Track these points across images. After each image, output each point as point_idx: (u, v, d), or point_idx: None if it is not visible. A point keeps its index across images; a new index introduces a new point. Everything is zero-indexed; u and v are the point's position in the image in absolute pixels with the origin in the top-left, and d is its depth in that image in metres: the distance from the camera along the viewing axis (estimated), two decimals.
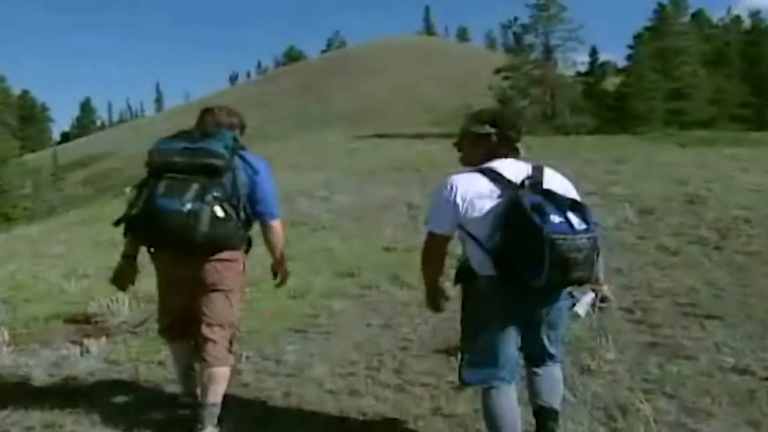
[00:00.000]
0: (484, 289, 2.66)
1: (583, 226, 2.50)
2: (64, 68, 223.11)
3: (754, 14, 53.97)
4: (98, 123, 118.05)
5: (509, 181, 2.60)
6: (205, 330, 3.11)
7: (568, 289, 2.76)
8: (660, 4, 43.59)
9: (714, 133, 28.83)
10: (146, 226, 2.91)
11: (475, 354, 2.75)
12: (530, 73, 38.25)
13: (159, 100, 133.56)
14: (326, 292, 6.27)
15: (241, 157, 3.06)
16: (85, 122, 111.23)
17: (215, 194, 2.88)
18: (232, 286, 3.15)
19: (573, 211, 2.53)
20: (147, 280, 3.50)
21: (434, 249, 2.77)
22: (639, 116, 35.34)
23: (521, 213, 2.43)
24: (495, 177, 2.63)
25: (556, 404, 2.88)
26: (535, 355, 2.88)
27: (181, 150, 2.93)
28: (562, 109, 36.62)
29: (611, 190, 11.46)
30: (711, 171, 13.82)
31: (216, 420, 3.10)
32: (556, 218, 2.43)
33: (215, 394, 3.09)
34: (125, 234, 3.11)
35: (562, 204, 2.53)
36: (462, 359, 2.83)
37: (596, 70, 48.03)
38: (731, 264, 6.79)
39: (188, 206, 2.80)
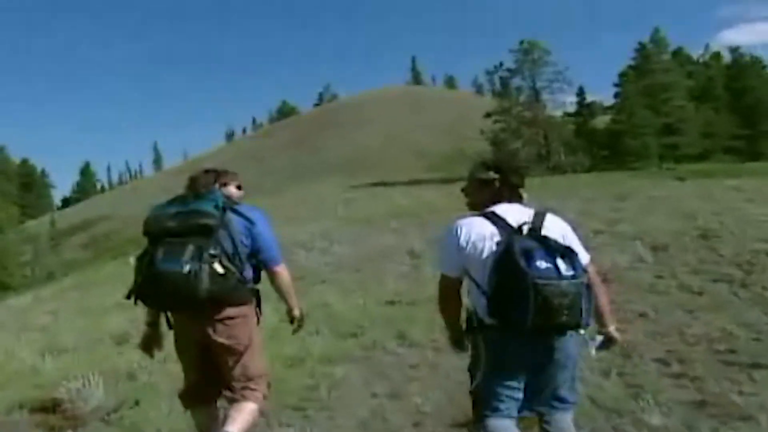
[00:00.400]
0: (484, 335, 2.68)
1: (570, 272, 2.48)
2: (64, 134, 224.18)
3: (734, 50, 54.48)
4: (98, 186, 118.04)
5: (509, 225, 2.63)
6: (240, 383, 3.13)
7: (582, 334, 2.66)
8: (641, 44, 43.91)
9: (711, 166, 28.56)
10: (151, 290, 2.92)
11: (484, 388, 2.71)
12: (521, 114, 38.24)
13: (157, 161, 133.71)
14: (326, 356, 5.64)
15: (235, 211, 3.08)
16: (86, 186, 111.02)
17: (212, 252, 2.88)
18: (247, 343, 3.12)
19: (563, 257, 2.52)
20: (125, 357, 2.89)
21: (447, 290, 2.79)
22: (633, 153, 35.20)
23: (511, 257, 2.45)
24: (496, 221, 2.66)
25: None
26: (542, 402, 2.76)
27: (174, 214, 2.97)
28: (556, 148, 36.45)
29: (619, 228, 10.92)
30: (717, 203, 13.30)
31: None
32: (543, 263, 2.44)
33: (238, 425, 3.00)
34: (135, 302, 3.05)
35: (553, 250, 2.52)
36: (475, 389, 2.77)
37: (584, 109, 48.02)
38: (762, 302, 6.20)
39: (187, 267, 2.81)
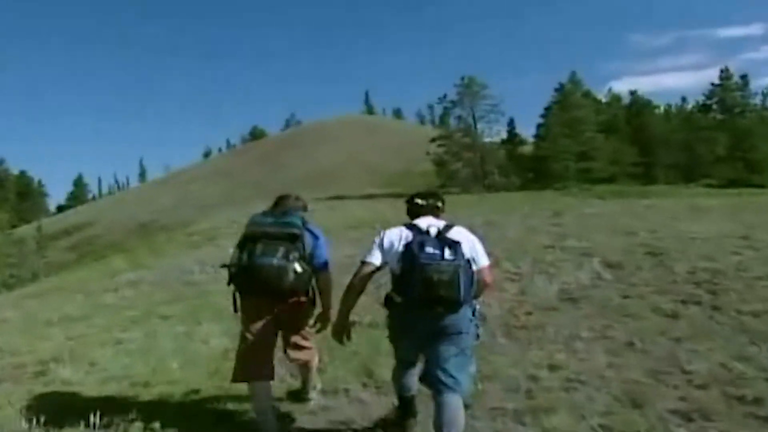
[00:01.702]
0: (393, 309, 3.04)
1: (451, 258, 2.82)
2: (60, 148, 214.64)
3: (633, 92, 55.22)
4: (90, 196, 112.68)
5: (420, 229, 3.02)
6: (299, 343, 3.52)
7: (463, 313, 2.90)
8: (561, 84, 43.81)
9: (620, 187, 27.95)
10: (247, 276, 3.22)
11: (399, 356, 3.19)
12: (461, 140, 37.32)
13: (143, 174, 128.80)
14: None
15: (307, 229, 3.42)
16: (78, 196, 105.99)
17: (295, 254, 3.25)
18: (308, 314, 3.53)
19: (449, 248, 2.85)
20: None
21: (361, 274, 3.03)
22: (556, 175, 34.59)
23: (409, 247, 2.88)
24: (413, 227, 3.06)
25: None
26: (434, 379, 2.90)
27: (271, 223, 3.35)
28: (491, 170, 35.54)
29: (567, 243, 9.64)
30: (647, 221, 12.23)
31: (313, 387, 3.79)
32: (430, 250, 2.84)
33: (313, 373, 3.70)
34: (228, 283, 3.36)
35: (443, 243, 2.88)
36: (396, 359, 3.24)
37: (514, 138, 47.77)
38: (744, 329, 4.95)
39: (278, 262, 3.18)
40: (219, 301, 7.99)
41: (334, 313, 3.32)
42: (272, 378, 3.42)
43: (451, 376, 2.87)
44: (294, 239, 3.29)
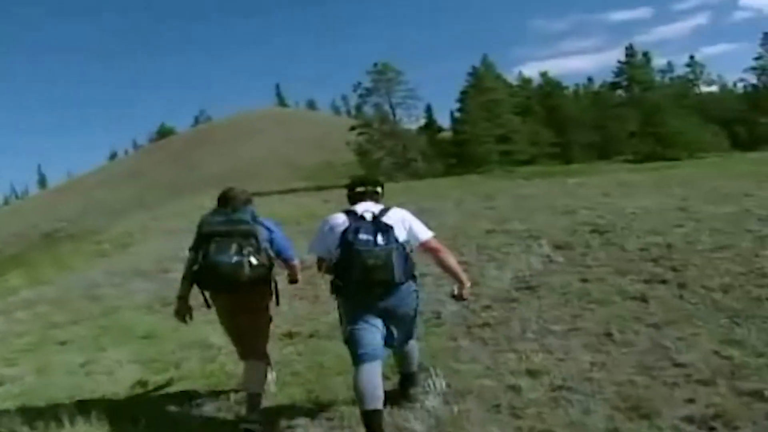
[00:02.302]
0: (339, 292, 3.14)
1: (383, 242, 2.97)
2: None
3: (544, 74, 56.25)
4: None
5: (356, 215, 3.13)
6: (250, 339, 3.55)
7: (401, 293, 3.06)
8: (474, 67, 44.11)
9: (543, 168, 28.34)
10: (207, 275, 3.36)
11: (351, 336, 3.07)
12: (380, 128, 36.75)
13: (42, 182, 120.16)
14: None
15: (258, 222, 3.49)
16: None
17: (249, 249, 3.34)
18: (265, 308, 3.62)
19: (382, 233, 3.00)
20: None
21: (320, 268, 3.30)
22: (477, 159, 34.73)
23: (344, 235, 3.02)
24: (349, 213, 3.17)
25: (413, 368, 3.43)
26: (392, 345, 3.20)
27: (222, 221, 3.43)
28: (414, 157, 35.17)
29: (509, 226, 9.23)
30: (582, 200, 12.09)
31: (258, 406, 3.41)
32: (364, 236, 2.97)
33: (258, 384, 3.44)
34: (185, 283, 3.55)
35: (376, 228, 3.01)
36: (345, 340, 3.13)
37: (432, 123, 47.76)
38: (722, 308, 4.60)
39: (234, 258, 3.29)
40: (128, 319, 6.96)
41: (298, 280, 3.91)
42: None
43: (409, 337, 3.30)
44: (246, 235, 3.39)
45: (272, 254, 3.51)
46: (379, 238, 2.98)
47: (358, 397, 2.89)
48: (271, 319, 3.71)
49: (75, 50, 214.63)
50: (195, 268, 3.40)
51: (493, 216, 10.77)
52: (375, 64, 37.12)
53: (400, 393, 3.41)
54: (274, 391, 3.84)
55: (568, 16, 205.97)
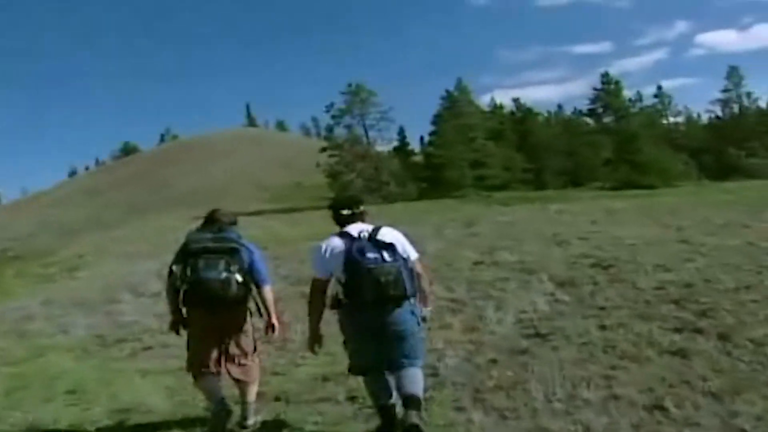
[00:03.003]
0: (345, 311, 3.19)
1: (391, 259, 3.09)
2: None
3: (516, 100, 56.48)
4: None
5: (352, 237, 3.20)
6: (240, 359, 3.60)
7: (409, 307, 3.14)
8: (448, 91, 43.83)
9: (520, 193, 27.85)
10: (194, 290, 3.42)
11: (351, 355, 3.28)
12: (352, 150, 35.90)
13: None
14: None
15: (242, 244, 3.59)
16: None
17: (235, 267, 3.45)
18: (249, 328, 3.67)
19: (386, 250, 3.12)
20: None
21: (316, 289, 3.28)
22: (452, 183, 34.13)
23: (350, 255, 3.09)
24: (344, 235, 3.24)
25: (417, 391, 3.09)
26: (395, 364, 3.15)
27: (210, 238, 3.54)
28: (386, 180, 34.32)
29: (498, 257, 8.37)
30: (568, 226, 11.39)
31: (254, 413, 3.63)
32: (371, 255, 3.07)
33: (251, 395, 3.62)
34: (171, 297, 3.64)
35: (379, 246, 3.12)
36: (350, 359, 3.30)
37: (404, 146, 47.16)
38: None
39: (223, 275, 3.40)
40: (55, 365, 5.81)
41: (279, 323, 3.72)
42: (218, 374, 3.58)
43: (415, 358, 3.18)
44: (233, 253, 3.50)
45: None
46: (386, 255, 3.10)
47: (370, 396, 3.25)
48: (255, 349, 3.72)
49: (44, 65, 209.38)
50: (182, 285, 3.46)
51: (478, 244, 9.92)
52: (349, 85, 36.40)
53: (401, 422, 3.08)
54: None
55: (531, 47, 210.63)
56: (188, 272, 3.42)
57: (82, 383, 4.98)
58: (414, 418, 2.93)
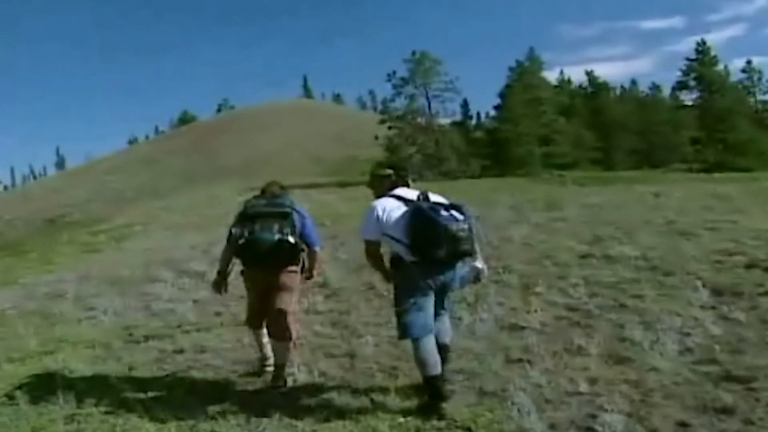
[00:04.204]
0: (408, 270, 3.25)
1: (462, 218, 3.25)
2: None
3: (589, 73, 53.21)
4: (0, 188, 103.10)
5: (408, 199, 3.34)
6: (278, 316, 3.89)
7: (460, 264, 3.34)
8: (518, 61, 41.18)
9: (594, 173, 25.71)
10: (250, 249, 3.78)
11: (407, 316, 3.26)
12: (414, 122, 34.12)
13: (60, 164, 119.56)
14: None
15: (295, 209, 3.95)
16: None
17: (288, 229, 3.81)
18: (294, 287, 4.01)
19: (453, 209, 3.29)
20: None
21: (371, 251, 3.43)
22: (518, 160, 32.06)
23: (423, 213, 3.18)
24: (399, 197, 3.37)
25: (447, 340, 3.47)
26: (437, 312, 3.37)
27: (265, 204, 3.95)
28: (448, 155, 32.45)
29: (612, 250, 6.75)
30: (680, 213, 9.59)
31: (286, 376, 3.92)
32: (444, 213, 3.22)
33: (284, 358, 3.92)
34: (224, 259, 3.99)
35: (446, 207, 3.30)
36: (399, 320, 3.32)
37: (468, 119, 45.09)
38: None
39: (277, 236, 3.77)
40: (64, 369, 4.65)
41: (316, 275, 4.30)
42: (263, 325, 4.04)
43: (447, 307, 3.53)
44: (286, 216, 3.85)
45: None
46: (456, 214, 3.26)
47: (421, 364, 3.23)
48: (298, 299, 4.18)
49: (107, 39, 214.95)
50: (241, 242, 3.79)
51: (574, 232, 8.32)
52: (413, 53, 34.15)
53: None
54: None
55: (595, 22, 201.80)
56: (245, 233, 3.77)
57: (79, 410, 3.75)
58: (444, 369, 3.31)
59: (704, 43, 37.35)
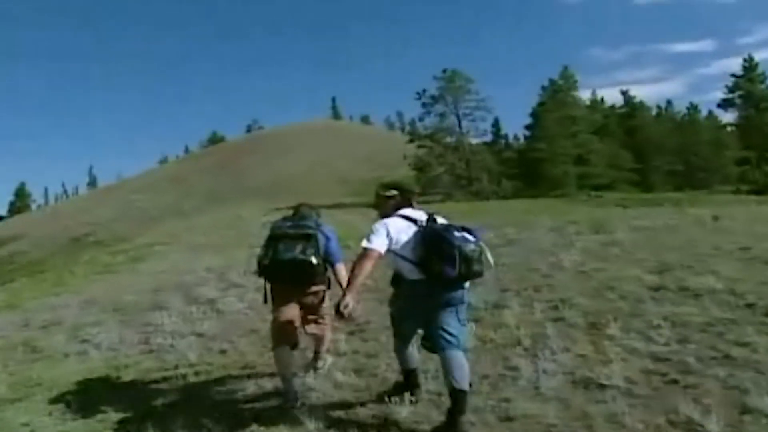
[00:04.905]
0: (413, 286, 3.32)
1: (473, 240, 3.27)
2: (5, 158, 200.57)
3: (625, 92, 51.83)
4: (34, 206, 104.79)
5: (416, 220, 3.40)
6: (317, 320, 4.17)
7: (467, 285, 3.35)
8: (551, 80, 40.07)
9: (636, 195, 24.43)
10: (274, 269, 3.91)
11: (400, 326, 3.52)
12: (444, 141, 33.15)
13: (92, 183, 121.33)
14: None
15: (320, 230, 4.03)
16: (19, 206, 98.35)
17: (311, 249, 3.89)
18: (323, 305, 4.17)
19: (465, 231, 3.31)
20: None
21: (368, 256, 3.23)
22: (553, 180, 30.85)
23: (436, 233, 3.26)
24: (407, 218, 3.42)
25: (464, 386, 3.19)
26: (439, 340, 3.27)
27: (290, 226, 4.05)
28: (478, 174, 31.37)
29: (690, 282, 5.70)
30: (753, 239, 8.45)
31: (328, 360, 4.37)
32: (458, 234, 3.25)
33: (325, 346, 4.33)
34: (259, 275, 4.07)
35: (457, 228, 3.32)
36: (395, 336, 3.60)
37: (500, 139, 43.97)
38: None
39: (299, 256, 3.84)
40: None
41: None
42: (296, 346, 4.07)
43: (454, 336, 3.29)
44: (309, 238, 3.93)
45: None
46: (468, 236, 3.28)
47: (399, 360, 3.61)
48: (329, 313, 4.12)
49: (142, 59, 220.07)
50: (265, 262, 3.91)
51: (631, 258, 7.29)
52: (444, 70, 33.27)
53: (447, 423, 3.18)
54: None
55: (625, 46, 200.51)
56: (270, 253, 3.92)
57: None
58: (463, 420, 3.14)
59: (752, 59, 35.74)
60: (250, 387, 4.17)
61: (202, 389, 4.22)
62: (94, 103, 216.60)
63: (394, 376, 4.00)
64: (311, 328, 4.15)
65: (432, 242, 3.20)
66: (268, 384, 4.18)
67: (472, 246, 3.20)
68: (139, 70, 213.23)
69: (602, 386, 3.41)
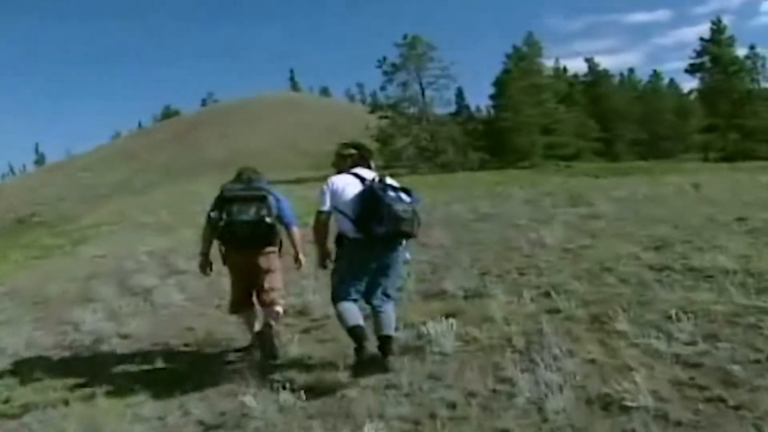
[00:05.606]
0: (351, 246, 3.41)
1: (408, 200, 3.38)
2: None
3: (589, 59, 51.33)
4: None
5: (364, 179, 3.45)
6: (268, 292, 4.10)
7: (402, 246, 3.48)
8: (515, 47, 39.08)
9: (606, 165, 24.07)
10: (229, 231, 3.95)
11: (339, 286, 3.46)
12: (407, 111, 32.11)
13: (39, 161, 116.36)
14: None
15: (270, 193, 4.09)
16: None
17: (265, 210, 3.97)
18: (276, 267, 4.19)
19: (403, 192, 3.43)
20: None
21: (321, 221, 3.48)
22: (520, 150, 30.25)
23: (373, 192, 3.32)
24: (356, 175, 3.50)
25: (391, 332, 3.44)
26: (376, 295, 3.51)
27: (242, 188, 4.07)
28: (444, 146, 30.49)
29: (696, 260, 5.01)
30: (744, 208, 7.91)
31: (275, 338, 4.02)
32: (392, 194, 3.35)
33: (274, 318, 4.07)
34: (205, 241, 4.14)
35: (397, 189, 3.43)
36: (333, 289, 3.52)
37: (464, 109, 43.04)
38: None
39: (252, 217, 3.93)
40: None
41: (303, 257, 4.23)
42: (254, 307, 4.23)
43: (389, 295, 3.56)
44: (262, 199, 3.99)
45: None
46: (404, 196, 3.39)
47: (342, 320, 3.38)
48: (283, 277, 4.29)
49: (94, 33, 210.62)
50: (221, 224, 3.93)
51: (620, 232, 6.64)
52: (404, 36, 31.99)
53: (378, 361, 3.34)
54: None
55: (582, 16, 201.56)
56: (224, 216, 3.92)
57: None
58: (390, 359, 3.33)
59: (720, 21, 35.29)
60: (168, 416, 3.29)
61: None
62: (42, 79, 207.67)
63: (360, 395, 3.19)
64: (264, 295, 4.13)
65: (367, 200, 3.32)
66: (195, 410, 3.30)
67: (403, 205, 3.30)
68: (91, 45, 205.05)
69: (626, 408, 2.64)
